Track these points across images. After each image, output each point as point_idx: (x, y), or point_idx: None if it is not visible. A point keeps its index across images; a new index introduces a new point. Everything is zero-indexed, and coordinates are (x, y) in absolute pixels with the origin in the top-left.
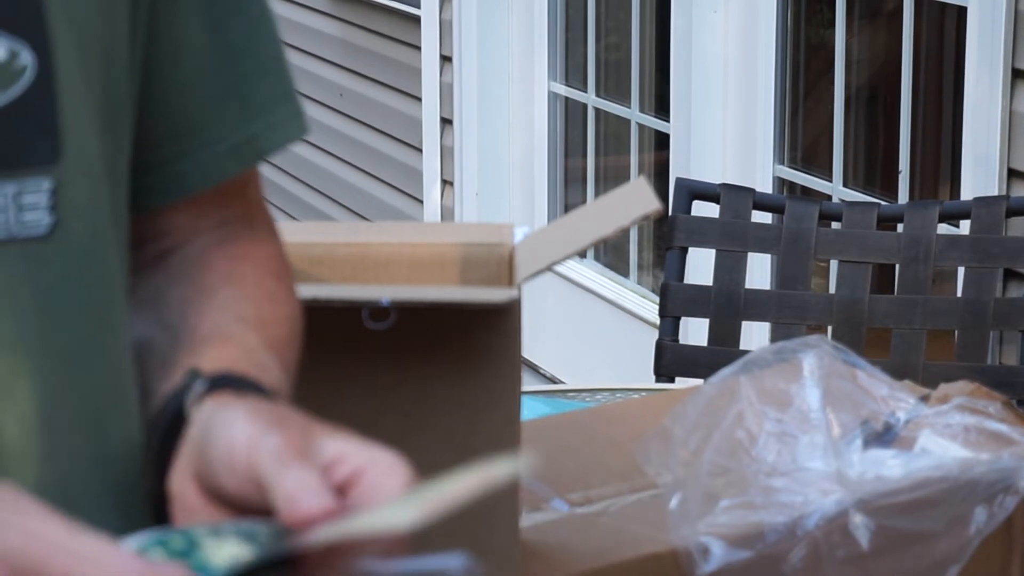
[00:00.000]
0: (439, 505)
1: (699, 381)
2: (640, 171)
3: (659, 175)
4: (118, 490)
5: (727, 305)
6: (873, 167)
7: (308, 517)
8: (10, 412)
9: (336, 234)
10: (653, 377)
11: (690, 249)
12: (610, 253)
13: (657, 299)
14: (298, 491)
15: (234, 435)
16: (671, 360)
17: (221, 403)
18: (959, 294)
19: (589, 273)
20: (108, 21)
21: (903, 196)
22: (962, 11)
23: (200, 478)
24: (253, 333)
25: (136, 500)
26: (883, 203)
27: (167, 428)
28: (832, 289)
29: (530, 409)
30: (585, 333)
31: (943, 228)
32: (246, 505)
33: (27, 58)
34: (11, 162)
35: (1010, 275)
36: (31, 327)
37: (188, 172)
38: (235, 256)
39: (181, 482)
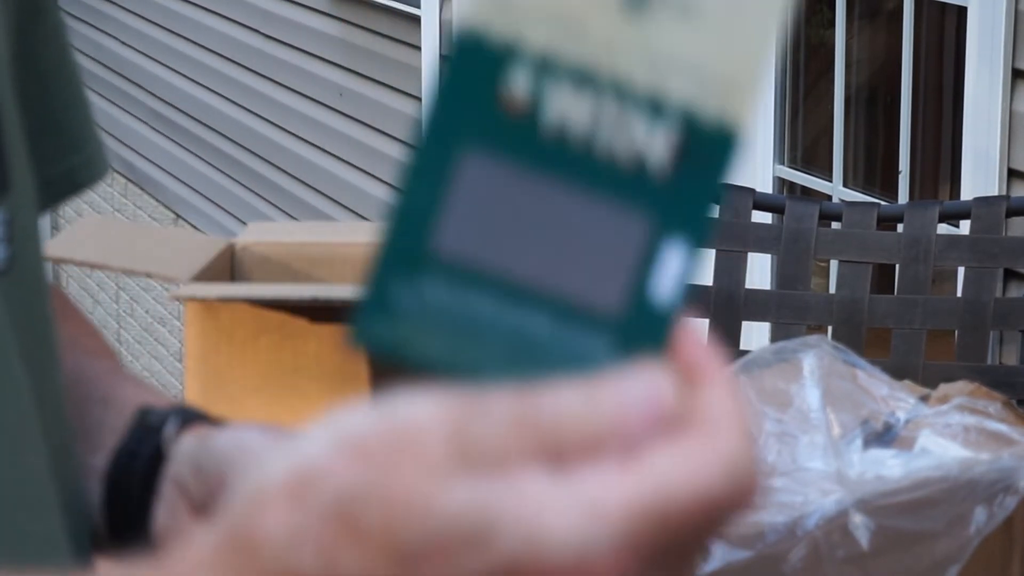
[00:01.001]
0: None
1: None
2: None
3: None
4: (77, 533)
5: (727, 305)
6: (873, 167)
7: None
8: (28, 459)
9: (336, 234)
10: None
11: None
12: None
13: None
14: None
15: (257, 454)
16: None
17: (203, 434)
18: (959, 294)
19: None
20: (12, 46)
21: (903, 196)
22: (962, 11)
23: (207, 508)
24: (117, 366)
25: (87, 546)
26: (883, 203)
27: (145, 472)
28: (832, 289)
29: None
30: None
31: (943, 228)
32: None
33: None
34: None
35: (1010, 275)
36: (14, 369)
37: None
38: None
39: (175, 520)
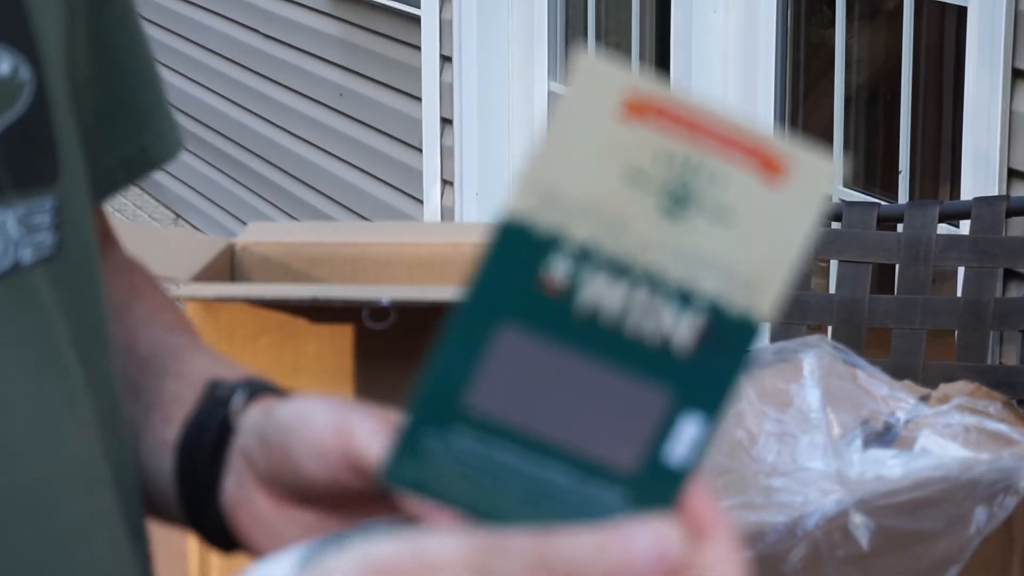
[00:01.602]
0: None
1: None
2: None
3: None
4: (129, 511)
5: None
6: (873, 167)
7: None
8: (76, 439)
9: (336, 234)
10: None
11: None
12: None
13: None
14: None
15: (318, 423)
16: None
17: (268, 406)
18: (959, 294)
19: None
20: (59, 25)
21: (903, 196)
22: (962, 11)
23: (273, 480)
24: (195, 340)
25: (141, 522)
26: (883, 203)
27: (215, 444)
28: (832, 289)
29: None
30: None
31: (943, 228)
32: (337, 493)
33: (26, 72)
34: (21, 182)
35: (1010, 275)
36: (62, 353)
37: None
38: (119, 269)
39: (244, 491)
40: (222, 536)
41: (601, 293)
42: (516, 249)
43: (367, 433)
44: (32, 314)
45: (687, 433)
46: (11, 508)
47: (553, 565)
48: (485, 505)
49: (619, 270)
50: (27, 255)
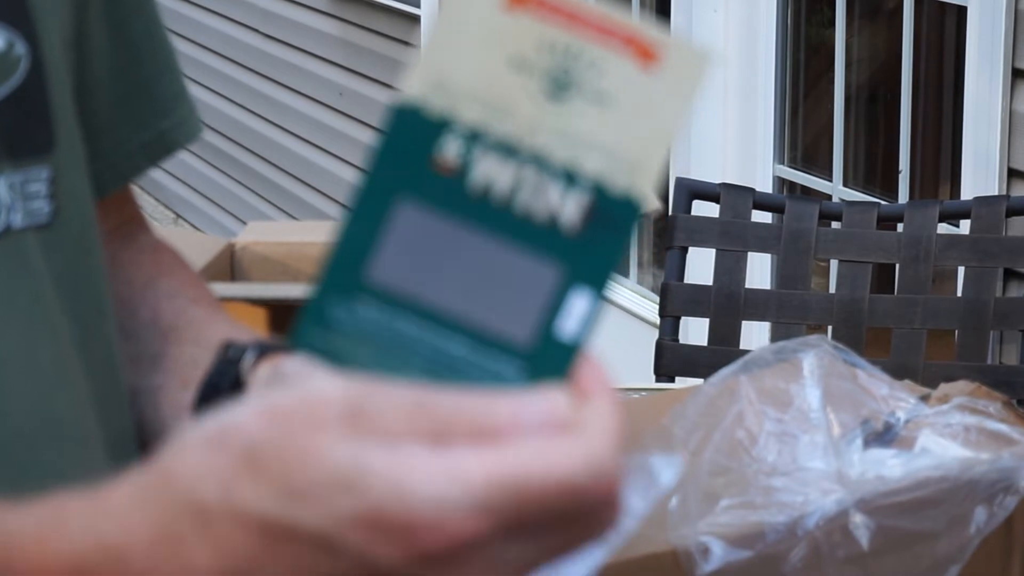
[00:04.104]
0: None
1: (699, 381)
2: None
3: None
4: (123, 469)
5: (727, 305)
6: (873, 167)
7: None
8: (66, 397)
9: None
10: (653, 377)
11: (690, 249)
12: None
13: (657, 299)
14: None
15: (325, 369)
16: (671, 360)
17: (278, 363)
18: (959, 294)
19: None
20: (62, 11)
21: (903, 196)
22: (962, 11)
23: None
24: (217, 311)
25: None
26: (883, 203)
27: (227, 401)
28: (832, 289)
29: None
30: None
31: (943, 228)
32: None
33: (21, 48)
34: (16, 151)
35: (1010, 275)
36: (54, 315)
37: (101, 173)
38: (147, 250)
39: None
40: None
41: (491, 172)
42: (410, 131)
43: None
44: (22, 277)
45: (577, 308)
46: None
47: (433, 413)
48: (390, 374)
49: (507, 151)
50: (18, 219)
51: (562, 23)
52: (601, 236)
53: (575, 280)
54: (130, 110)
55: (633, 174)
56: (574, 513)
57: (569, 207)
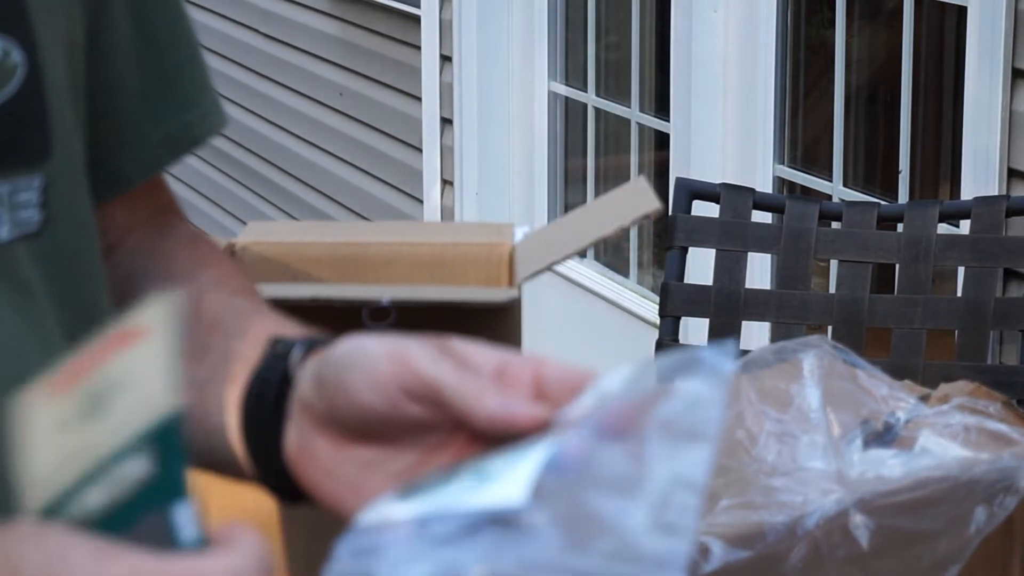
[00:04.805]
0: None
1: None
2: (640, 171)
3: (659, 175)
4: None
5: (727, 305)
6: (873, 167)
7: (528, 426)
8: None
9: (336, 234)
10: None
11: (690, 249)
12: (610, 253)
13: (657, 299)
14: (506, 404)
15: (372, 354)
16: None
17: (324, 353)
18: (959, 294)
19: (589, 273)
20: (68, 12)
21: (903, 196)
22: (962, 11)
23: (330, 418)
24: (259, 303)
25: None
26: (883, 203)
27: (276, 397)
28: (832, 289)
29: None
30: (585, 333)
31: (943, 228)
32: (394, 424)
33: (18, 56)
34: (6, 161)
35: (1010, 275)
36: (44, 325)
37: (126, 167)
38: (184, 241)
39: (304, 438)
40: (287, 488)
41: (89, 502)
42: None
43: (425, 357)
44: (10, 287)
45: (183, 518)
46: None
47: None
48: None
49: (89, 480)
50: (4, 232)
51: (77, 375)
52: (157, 469)
53: (170, 502)
54: (154, 103)
55: (151, 403)
56: None
57: (118, 491)
